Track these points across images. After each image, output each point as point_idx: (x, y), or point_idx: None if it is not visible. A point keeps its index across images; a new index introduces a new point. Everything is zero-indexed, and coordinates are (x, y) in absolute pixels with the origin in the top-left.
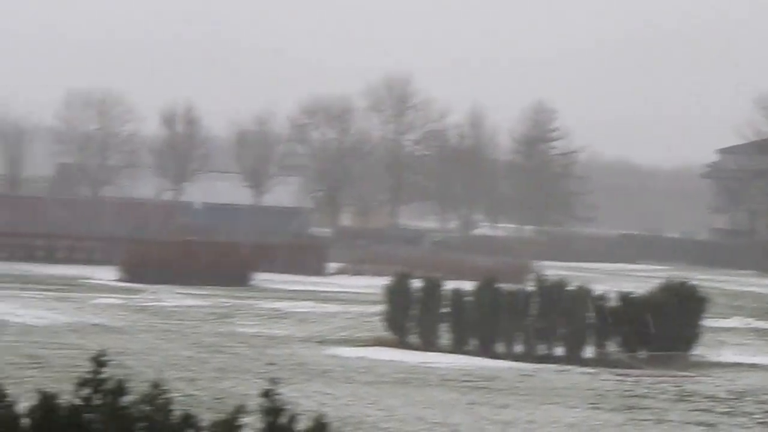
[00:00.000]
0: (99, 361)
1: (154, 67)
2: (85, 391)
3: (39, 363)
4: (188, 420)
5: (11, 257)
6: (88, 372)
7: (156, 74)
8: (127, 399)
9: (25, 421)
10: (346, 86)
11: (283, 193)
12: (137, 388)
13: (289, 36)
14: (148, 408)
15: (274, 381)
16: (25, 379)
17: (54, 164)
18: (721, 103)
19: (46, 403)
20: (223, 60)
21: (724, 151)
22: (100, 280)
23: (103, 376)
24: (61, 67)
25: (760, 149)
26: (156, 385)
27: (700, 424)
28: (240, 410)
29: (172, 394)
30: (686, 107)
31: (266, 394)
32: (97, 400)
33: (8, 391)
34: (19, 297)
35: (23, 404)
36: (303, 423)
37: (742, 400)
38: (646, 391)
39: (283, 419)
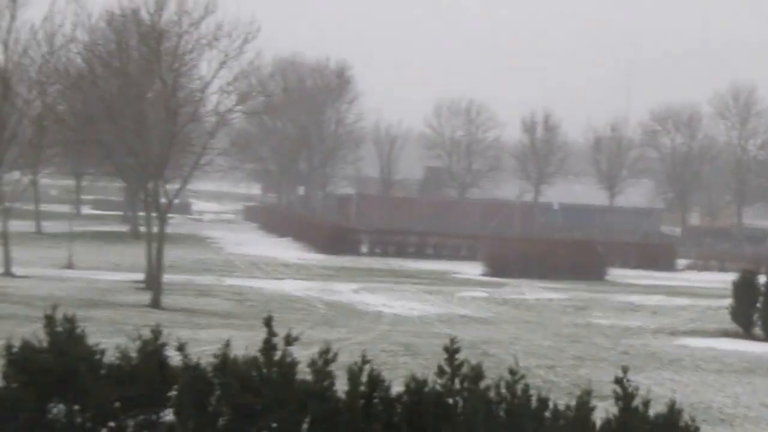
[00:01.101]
0: (451, 350)
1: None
2: (446, 378)
3: (411, 351)
4: (544, 403)
5: (385, 253)
6: (445, 360)
7: (515, 82)
8: (486, 384)
9: (399, 405)
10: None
11: (635, 195)
12: (501, 375)
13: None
14: (507, 393)
15: (624, 369)
16: (399, 365)
17: (423, 168)
18: None
19: (416, 388)
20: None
21: None
22: (466, 274)
23: (458, 363)
24: (431, 77)
25: None
26: (513, 372)
27: None
28: (591, 394)
29: (533, 380)
30: None
31: (618, 381)
32: (457, 386)
33: (384, 377)
34: (393, 290)
35: (396, 389)
36: (656, 407)
37: None
38: None
39: (636, 403)
